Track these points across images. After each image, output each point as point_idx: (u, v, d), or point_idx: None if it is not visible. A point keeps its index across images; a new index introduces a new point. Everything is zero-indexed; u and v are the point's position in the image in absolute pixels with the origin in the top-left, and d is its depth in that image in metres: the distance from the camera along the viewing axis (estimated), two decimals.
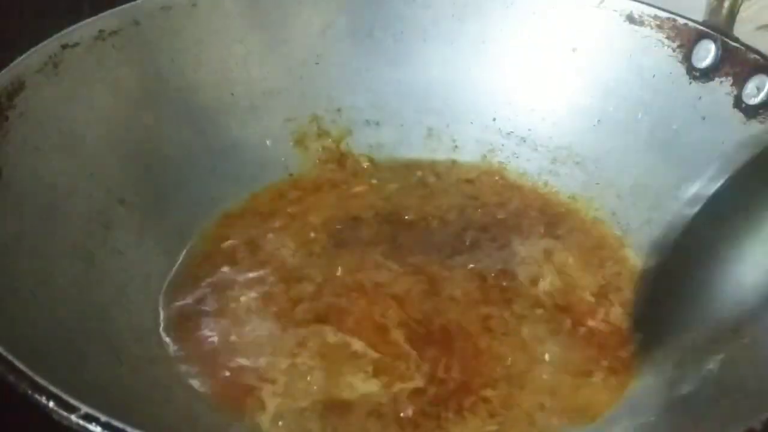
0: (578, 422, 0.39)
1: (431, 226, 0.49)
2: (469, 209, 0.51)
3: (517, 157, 0.53)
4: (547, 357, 0.41)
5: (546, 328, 0.43)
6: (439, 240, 0.48)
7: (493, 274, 0.46)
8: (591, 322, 0.44)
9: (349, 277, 0.45)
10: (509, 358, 0.41)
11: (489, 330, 0.42)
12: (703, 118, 0.47)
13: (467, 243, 0.48)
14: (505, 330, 0.43)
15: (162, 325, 0.41)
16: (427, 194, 0.51)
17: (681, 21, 0.48)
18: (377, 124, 0.54)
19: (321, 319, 0.42)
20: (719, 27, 0.47)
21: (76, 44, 0.44)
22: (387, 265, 0.46)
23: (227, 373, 0.39)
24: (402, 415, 0.38)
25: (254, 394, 0.39)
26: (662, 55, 0.49)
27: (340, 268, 0.46)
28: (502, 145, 0.53)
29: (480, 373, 0.40)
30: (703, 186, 0.45)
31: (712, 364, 0.38)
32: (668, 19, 0.49)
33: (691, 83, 0.48)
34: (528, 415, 0.39)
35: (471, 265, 0.46)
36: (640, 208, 0.49)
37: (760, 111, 0.45)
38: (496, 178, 0.53)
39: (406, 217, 0.50)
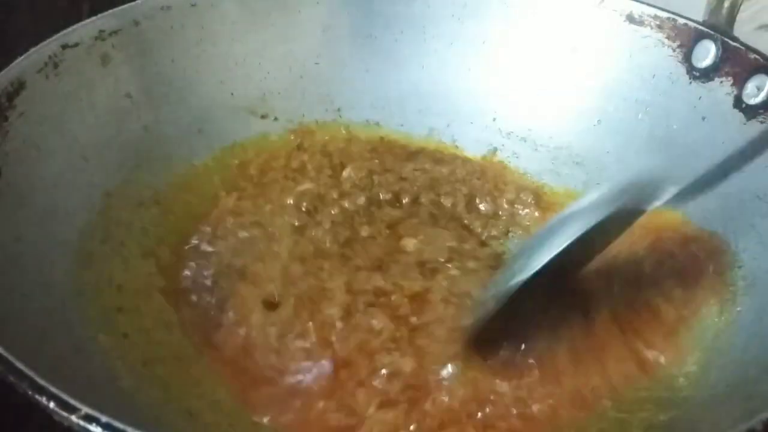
0: None
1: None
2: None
3: (518, 157, 0.53)
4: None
5: None
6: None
7: None
8: None
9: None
10: None
11: None
12: (703, 119, 0.47)
13: None
14: None
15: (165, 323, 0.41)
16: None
17: (681, 21, 0.48)
18: (377, 124, 0.54)
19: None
20: (719, 27, 0.47)
21: (76, 44, 0.44)
22: None
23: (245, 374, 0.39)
24: None
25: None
26: (662, 55, 0.49)
27: None
28: (503, 145, 0.53)
29: None
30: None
31: None
32: (668, 19, 0.49)
33: (691, 83, 0.48)
34: None
35: None
36: None
37: (760, 111, 0.45)
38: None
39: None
